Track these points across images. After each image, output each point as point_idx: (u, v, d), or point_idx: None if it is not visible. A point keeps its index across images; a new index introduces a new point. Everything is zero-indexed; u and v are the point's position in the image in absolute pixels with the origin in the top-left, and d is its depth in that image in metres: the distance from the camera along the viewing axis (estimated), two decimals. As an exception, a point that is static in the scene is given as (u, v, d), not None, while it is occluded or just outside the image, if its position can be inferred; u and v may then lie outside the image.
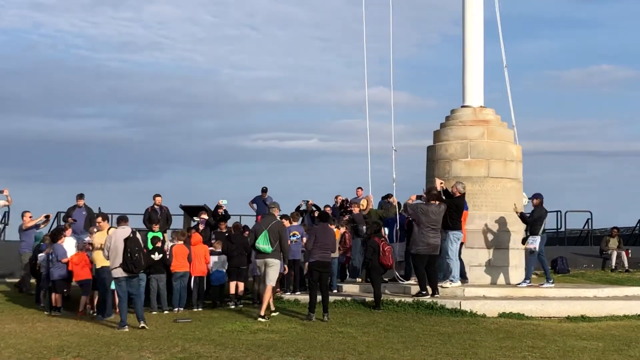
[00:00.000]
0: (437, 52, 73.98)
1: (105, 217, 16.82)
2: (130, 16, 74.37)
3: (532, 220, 18.57)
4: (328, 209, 22.41)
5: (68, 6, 71.77)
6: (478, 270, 19.08)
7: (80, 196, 21.35)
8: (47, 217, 20.99)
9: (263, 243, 15.67)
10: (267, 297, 15.70)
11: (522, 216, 18.98)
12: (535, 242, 18.34)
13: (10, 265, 23.15)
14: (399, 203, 21.11)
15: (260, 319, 15.19)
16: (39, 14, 72.38)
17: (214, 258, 18.45)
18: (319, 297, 15.66)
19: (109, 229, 16.14)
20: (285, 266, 16.41)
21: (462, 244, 18.14)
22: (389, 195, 21.88)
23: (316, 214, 22.05)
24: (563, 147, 66.99)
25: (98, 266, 16.24)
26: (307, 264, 17.23)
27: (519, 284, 18.54)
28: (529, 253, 18.54)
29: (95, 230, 17.33)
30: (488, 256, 19.32)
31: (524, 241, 18.70)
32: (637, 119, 70.39)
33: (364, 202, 20.76)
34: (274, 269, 15.76)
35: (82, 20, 74.35)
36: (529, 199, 18.89)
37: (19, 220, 20.81)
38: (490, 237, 19.35)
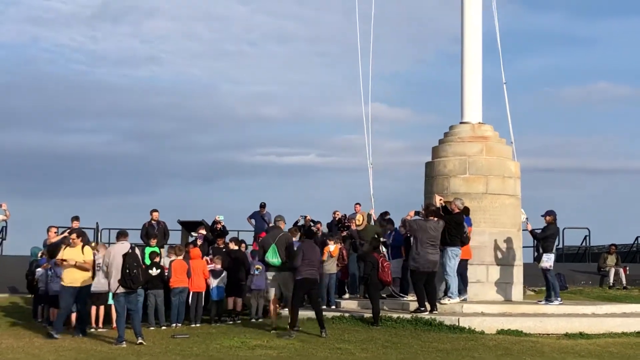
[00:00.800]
0: (436, 69, 74.14)
1: (80, 233, 16.33)
2: (129, 31, 74.56)
3: (544, 237, 18.46)
4: (319, 225, 22.33)
5: (67, 21, 71.94)
6: (476, 287, 19.02)
7: (76, 218, 21.17)
8: (71, 232, 20.55)
9: (272, 257, 15.74)
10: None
11: (532, 233, 18.91)
12: (550, 261, 18.26)
13: (9, 280, 23.09)
14: (390, 219, 21.18)
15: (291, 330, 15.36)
16: (37, 28, 72.48)
17: (215, 275, 18.34)
18: (304, 313, 15.69)
19: (84, 245, 15.76)
20: None
21: (466, 260, 18.12)
22: (386, 213, 21.90)
23: (318, 226, 22.02)
24: (561, 164, 67.03)
25: (66, 284, 15.49)
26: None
27: (550, 303, 18.14)
28: (544, 271, 18.40)
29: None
30: (486, 272, 19.28)
31: (537, 259, 18.59)
32: (635, 137, 70.50)
33: (359, 218, 20.74)
34: (289, 281, 15.88)
35: (82, 35, 74.46)
36: (542, 216, 18.70)
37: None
38: (488, 253, 19.31)
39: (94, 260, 16.02)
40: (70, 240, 15.99)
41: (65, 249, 15.84)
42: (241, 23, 73.53)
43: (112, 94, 67.78)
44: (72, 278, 15.55)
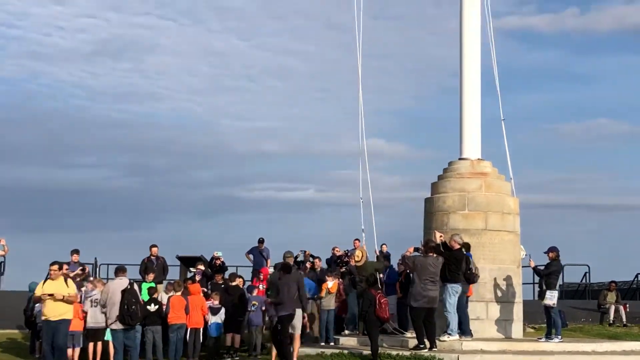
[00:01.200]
0: (435, 104, 74.47)
1: (61, 266, 15.92)
2: (129, 67, 74.89)
3: (548, 274, 18.29)
4: (317, 261, 22.25)
5: (67, 56, 72.28)
6: (476, 324, 18.87)
7: (75, 251, 21.07)
8: (83, 270, 20.20)
9: None
10: (296, 346, 15.88)
11: (535, 269, 18.80)
12: (554, 298, 18.06)
13: (7, 316, 22.95)
14: (386, 256, 21.07)
15: None
16: (37, 63, 72.83)
17: (213, 311, 18.26)
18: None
19: (66, 278, 15.42)
20: (305, 315, 16.38)
21: (467, 297, 18.03)
22: (383, 245, 21.85)
23: (317, 261, 21.96)
24: (560, 200, 67.00)
25: (53, 319, 14.92)
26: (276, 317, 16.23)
27: (551, 340, 18.00)
28: (547, 308, 18.25)
29: (90, 285, 17.09)
30: (486, 309, 19.20)
31: (541, 296, 18.44)
32: (634, 173, 70.51)
33: (358, 254, 20.70)
34: (297, 319, 15.86)
35: (81, 70, 74.83)
36: (545, 252, 18.58)
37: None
38: (488, 290, 19.22)
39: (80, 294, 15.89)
40: (50, 273, 15.36)
41: (45, 283, 15.26)
42: (241, 59, 73.93)
43: (112, 130, 68.09)
44: (54, 312, 14.96)
